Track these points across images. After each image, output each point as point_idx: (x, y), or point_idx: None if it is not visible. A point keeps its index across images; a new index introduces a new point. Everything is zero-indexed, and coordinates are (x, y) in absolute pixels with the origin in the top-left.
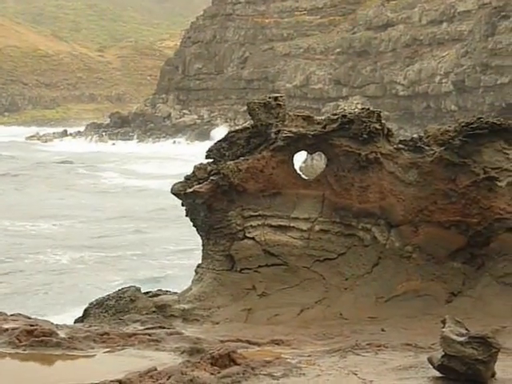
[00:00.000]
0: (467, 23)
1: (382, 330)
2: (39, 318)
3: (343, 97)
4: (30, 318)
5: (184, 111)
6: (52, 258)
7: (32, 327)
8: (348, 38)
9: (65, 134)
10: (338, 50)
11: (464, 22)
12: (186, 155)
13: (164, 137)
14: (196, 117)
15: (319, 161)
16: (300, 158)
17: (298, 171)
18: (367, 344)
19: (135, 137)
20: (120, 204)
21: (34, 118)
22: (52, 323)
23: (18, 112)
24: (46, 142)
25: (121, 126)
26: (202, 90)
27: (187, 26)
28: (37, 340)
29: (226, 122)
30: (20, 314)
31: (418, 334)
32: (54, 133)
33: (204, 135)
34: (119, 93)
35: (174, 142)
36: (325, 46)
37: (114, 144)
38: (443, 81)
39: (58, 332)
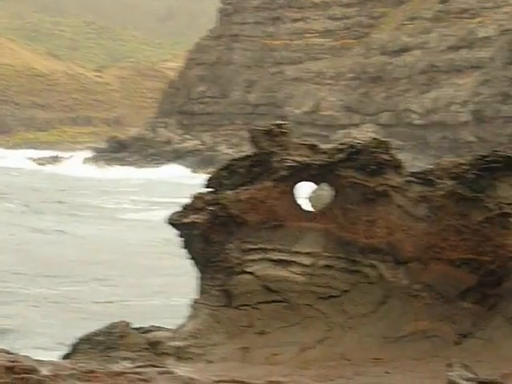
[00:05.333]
0: (487, 50)
1: (387, 373)
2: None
3: (355, 124)
4: (10, 354)
5: (186, 136)
6: None
7: (12, 363)
8: (361, 63)
9: (57, 158)
10: (350, 75)
11: (484, 48)
12: None
13: (163, 163)
14: (198, 142)
15: (329, 191)
16: (309, 187)
17: (307, 201)
18: None
19: (133, 162)
20: None
21: (26, 140)
22: (34, 359)
23: (8, 134)
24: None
25: (118, 150)
26: (206, 114)
27: (191, 46)
28: (17, 377)
29: (231, 148)
30: (1, 349)
31: (425, 377)
32: (49, 156)
33: (206, 162)
34: (117, 116)
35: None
36: (336, 70)
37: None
38: (461, 110)
39: (41, 369)
